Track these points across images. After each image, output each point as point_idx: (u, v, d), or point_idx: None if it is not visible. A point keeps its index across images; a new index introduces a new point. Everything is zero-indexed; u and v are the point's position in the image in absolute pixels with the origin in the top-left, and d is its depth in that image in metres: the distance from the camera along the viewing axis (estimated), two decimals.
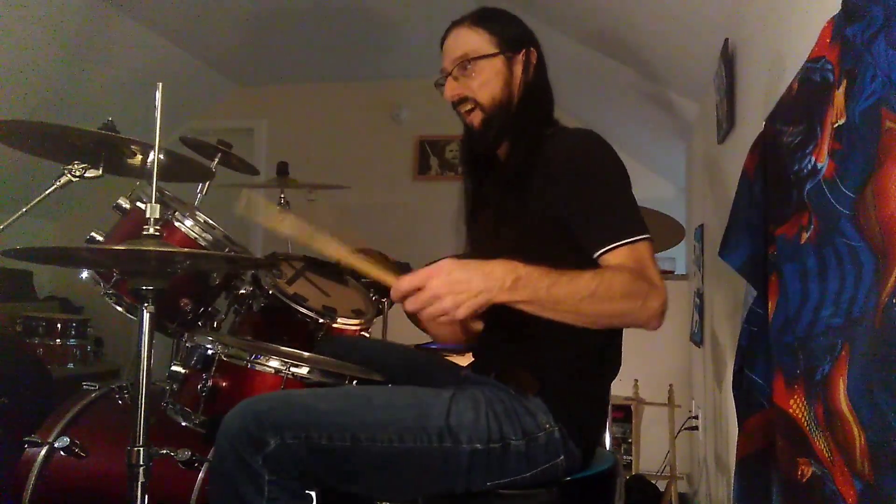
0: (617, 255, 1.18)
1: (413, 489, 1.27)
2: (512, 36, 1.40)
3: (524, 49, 1.39)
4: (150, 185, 1.19)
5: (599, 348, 1.31)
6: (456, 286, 1.10)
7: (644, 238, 1.20)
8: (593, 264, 1.20)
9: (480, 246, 1.40)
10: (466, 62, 1.37)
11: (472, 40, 1.38)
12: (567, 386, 1.26)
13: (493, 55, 1.37)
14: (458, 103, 1.41)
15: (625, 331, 1.37)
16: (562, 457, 1.24)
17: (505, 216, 1.32)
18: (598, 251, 1.20)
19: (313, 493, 1.24)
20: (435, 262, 1.14)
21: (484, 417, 1.21)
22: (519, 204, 1.30)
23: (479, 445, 1.19)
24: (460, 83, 1.39)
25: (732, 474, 1.52)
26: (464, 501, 1.24)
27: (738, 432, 1.47)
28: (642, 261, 1.18)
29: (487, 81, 1.37)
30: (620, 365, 1.37)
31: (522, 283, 1.12)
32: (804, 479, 1.05)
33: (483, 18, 1.40)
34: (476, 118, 1.39)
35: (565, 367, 1.28)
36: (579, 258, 1.21)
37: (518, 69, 1.39)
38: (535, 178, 1.30)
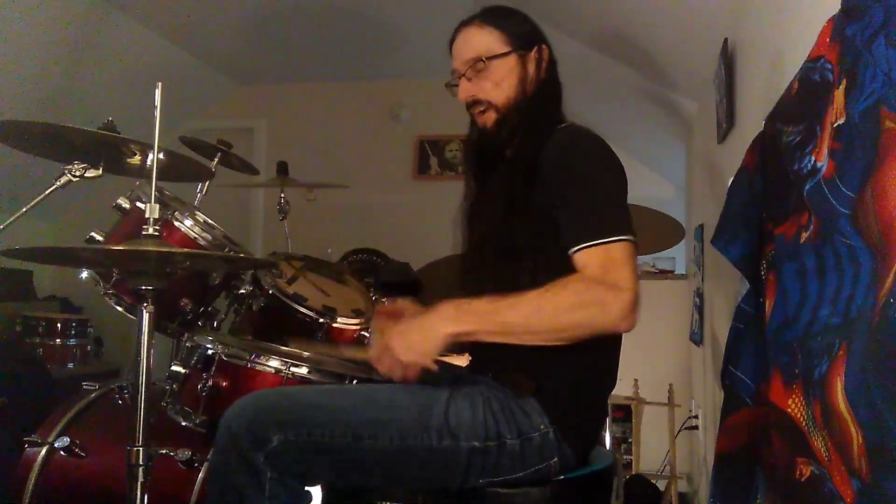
0: (583, 256, 1.18)
1: (412, 485, 1.30)
2: (523, 33, 1.38)
3: (536, 46, 1.38)
4: (150, 184, 1.19)
5: (597, 352, 1.31)
6: (405, 334, 1.19)
7: (619, 239, 1.17)
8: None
9: (484, 240, 1.39)
10: (480, 62, 1.36)
11: (484, 40, 1.37)
12: (563, 388, 1.26)
13: (506, 54, 1.36)
14: (471, 105, 1.40)
15: None
16: (556, 458, 1.25)
17: (514, 207, 1.32)
18: (570, 250, 1.19)
19: (316, 490, 1.25)
20: None
21: (481, 415, 1.21)
22: (527, 195, 1.30)
23: (476, 443, 1.20)
24: (474, 84, 1.37)
25: (711, 470, 1.51)
26: (462, 498, 1.25)
27: (718, 428, 1.47)
28: (609, 263, 1.16)
29: (501, 81, 1.36)
30: (617, 369, 1.37)
31: (465, 312, 1.18)
32: (803, 479, 1.05)
33: (492, 17, 1.39)
34: (489, 119, 1.38)
35: (562, 369, 1.28)
36: (568, 259, 1.20)
37: (531, 66, 1.38)
38: (537, 175, 1.29)
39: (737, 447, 1.36)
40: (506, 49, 1.36)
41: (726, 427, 1.43)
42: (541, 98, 1.38)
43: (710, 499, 1.46)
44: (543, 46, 1.39)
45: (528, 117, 1.36)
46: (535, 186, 1.29)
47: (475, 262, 1.40)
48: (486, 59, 1.35)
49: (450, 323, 1.17)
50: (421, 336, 1.18)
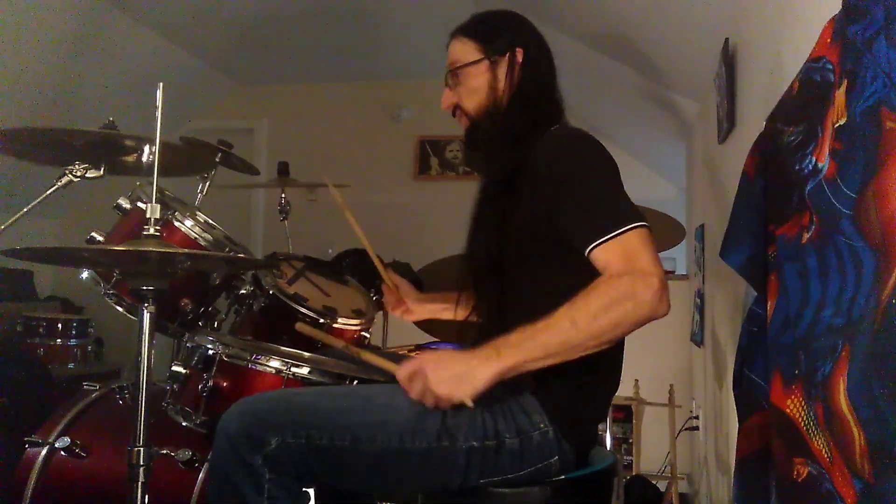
0: (603, 252, 1.16)
1: (410, 487, 1.30)
2: (497, 39, 1.40)
3: (509, 51, 1.39)
4: (151, 184, 1.19)
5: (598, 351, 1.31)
6: (443, 369, 1.15)
7: (632, 227, 1.16)
8: (587, 261, 1.19)
9: (482, 244, 1.40)
10: (455, 71, 1.41)
11: (458, 50, 1.42)
12: (563, 386, 1.26)
13: (477, 61, 1.39)
14: (453, 112, 1.45)
15: None
16: (556, 457, 1.25)
17: (499, 217, 1.33)
18: (585, 250, 1.18)
19: (311, 491, 1.25)
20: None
21: (479, 414, 1.21)
22: (510, 206, 1.31)
23: (475, 443, 1.20)
24: (453, 93, 1.43)
25: (733, 474, 1.52)
26: (462, 498, 1.25)
27: (737, 433, 1.47)
28: (630, 252, 1.15)
29: (473, 89, 1.40)
30: (621, 366, 1.37)
31: (503, 348, 1.14)
32: (800, 479, 1.05)
33: (470, 27, 1.43)
34: (464, 122, 1.44)
35: (563, 367, 1.28)
36: (572, 258, 1.20)
37: (502, 71, 1.39)
38: (523, 181, 1.30)
39: (754, 450, 1.37)
40: (477, 57, 1.39)
41: (744, 431, 1.43)
42: (516, 103, 1.38)
43: (734, 503, 1.47)
44: (518, 50, 1.39)
45: (503, 123, 1.38)
46: (517, 199, 1.30)
47: (472, 275, 1.43)
48: (458, 67, 1.40)
49: (492, 365, 1.14)
50: (460, 380, 1.15)
